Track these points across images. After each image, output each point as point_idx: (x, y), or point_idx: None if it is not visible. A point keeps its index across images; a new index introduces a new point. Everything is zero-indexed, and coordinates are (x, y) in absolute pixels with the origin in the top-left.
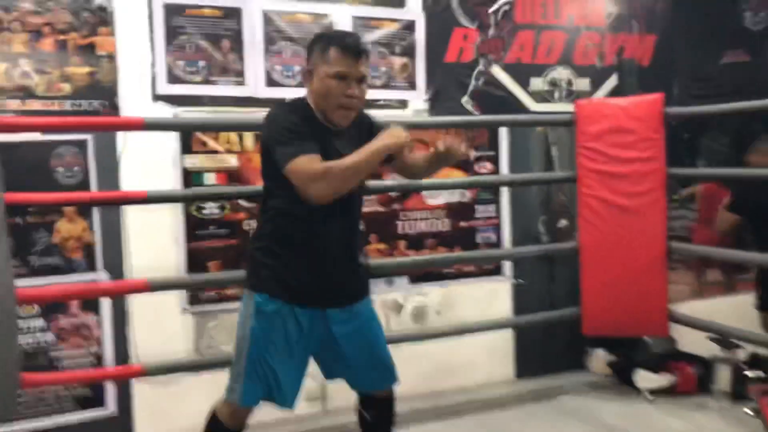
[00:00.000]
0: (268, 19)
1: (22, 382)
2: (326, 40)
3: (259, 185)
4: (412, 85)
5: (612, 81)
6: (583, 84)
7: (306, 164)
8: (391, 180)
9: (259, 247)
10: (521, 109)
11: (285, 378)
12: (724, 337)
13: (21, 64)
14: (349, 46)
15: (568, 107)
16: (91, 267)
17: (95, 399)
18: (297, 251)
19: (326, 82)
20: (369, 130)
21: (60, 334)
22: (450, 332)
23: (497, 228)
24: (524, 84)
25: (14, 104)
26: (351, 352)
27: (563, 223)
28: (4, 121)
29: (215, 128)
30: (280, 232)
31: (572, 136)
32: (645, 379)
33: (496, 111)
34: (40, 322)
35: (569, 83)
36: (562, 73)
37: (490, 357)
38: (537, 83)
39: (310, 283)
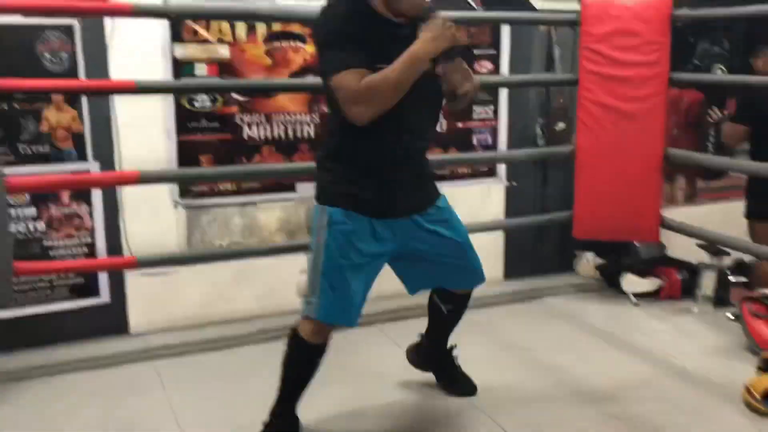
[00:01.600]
0: None
1: (16, 270)
2: None
3: (252, 78)
4: None
5: None
6: None
7: (349, 82)
8: None
9: (327, 159)
10: (526, 5)
11: (355, 293)
12: (711, 244)
13: None
14: None
15: (574, 6)
16: (81, 156)
17: (89, 288)
18: (369, 164)
19: None
20: None
21: (51, 223)
22: None
23: (494, 129)
24: None
25: None
26: (439, 252)
27: (561, 126)
28: None
29: (207, 16)
30: (349, 145)
31: (576, 37)
32: (631, 282)
33: (500, 6)
34: (31, 211)
35: None
36: None
37: (480, 257)
38: None
39: (386, 194)
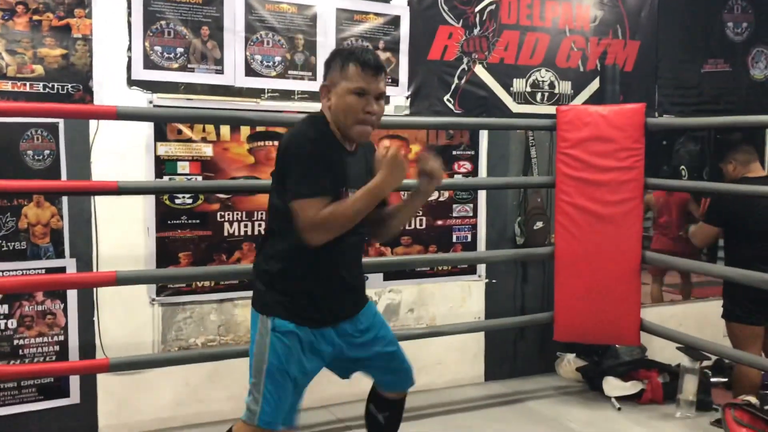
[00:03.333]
0: (250, 6)
1: None
2: (345, 55)
3: (234, 176)
4: (394, 81)
5: (594, 85)
6: (565, 87)
7: (311, 210)
8: None
9: (268, 269)
10: (502, 109)
11: (294, 401)
12: (692, 348)
13: None
14: (369, 62)
15: (549, 109)
16: (58, 254)
17: (59, 388)
18: (311, 276)
19: (346, 98)
20: (372, 153)
21: (24, 321)
22: (420, 335)
23: (473, 227)
24: (506, 84)
25: None
26: (368, 360)
27: (539, 224)
28: None
29: (189, 120)
30: (291, 256)
31: (552, 138)
32: (613, 386)
33: (478, 110)
34: (3, 308)
35: (551, 85)
36: (544, 75)
37: (460, 356)
38: (519, 84)
39: (326, 306)
